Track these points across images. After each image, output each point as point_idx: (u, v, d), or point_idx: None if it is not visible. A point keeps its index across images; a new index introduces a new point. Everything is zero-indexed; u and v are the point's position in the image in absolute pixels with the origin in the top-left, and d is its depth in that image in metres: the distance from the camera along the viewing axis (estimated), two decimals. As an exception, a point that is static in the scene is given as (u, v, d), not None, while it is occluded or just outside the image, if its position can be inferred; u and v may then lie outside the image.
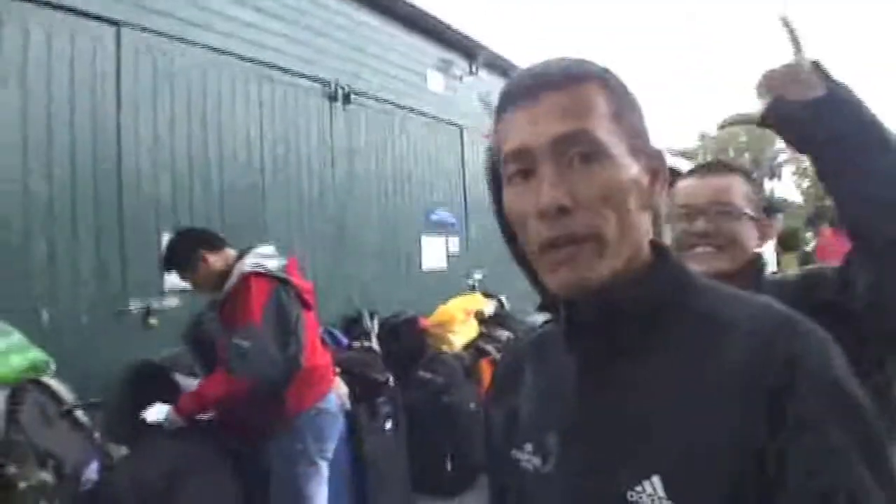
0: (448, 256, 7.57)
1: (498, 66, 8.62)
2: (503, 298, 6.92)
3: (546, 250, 0.84)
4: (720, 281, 0.98)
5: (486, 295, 6.84)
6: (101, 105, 4.03)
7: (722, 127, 1.37)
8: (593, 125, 0.83)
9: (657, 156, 0.91)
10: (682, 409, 0.79)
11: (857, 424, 0.74)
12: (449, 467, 5.10)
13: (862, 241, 1.25)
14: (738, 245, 1.50)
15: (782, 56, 1.22)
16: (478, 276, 7.80)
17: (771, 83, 1.25)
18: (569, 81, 0.85)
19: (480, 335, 5.97)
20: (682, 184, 1.60)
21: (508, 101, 0.88)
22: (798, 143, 1.25)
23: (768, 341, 0.78)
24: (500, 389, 1.07)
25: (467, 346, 5.73)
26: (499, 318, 6.48)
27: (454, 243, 7.69)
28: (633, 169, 0.85)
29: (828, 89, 1.18)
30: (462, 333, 5.69)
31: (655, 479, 0.78)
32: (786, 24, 1.21)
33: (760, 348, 0.78)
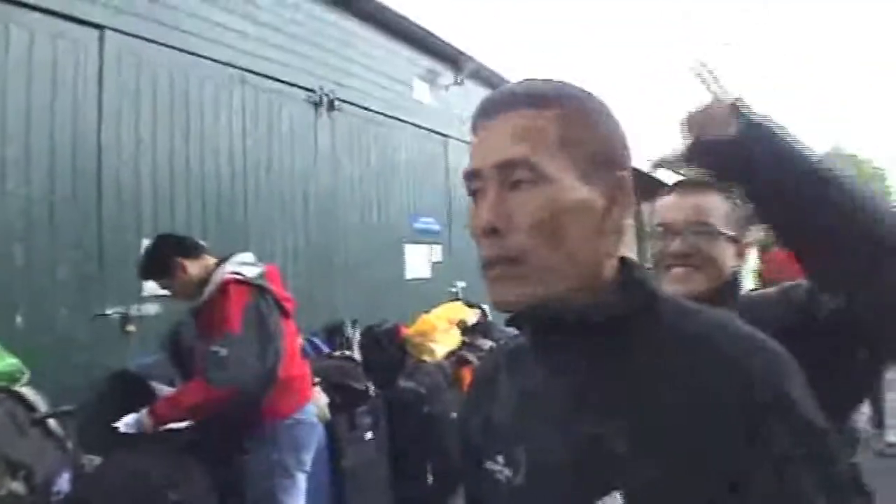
0: (431, 265, 7.55)
1: (484, 76, 8.64)
2: (486, 308, 6.90)
3: (484, 268, 0.90)
4: (696, 301, 1.00)
5: (469, 304, 6.82)
6: (83, 109, 3.99)
7: (654, 167, 1.39)
8: (537, 151, 0.86)
9: (618, 181, 0.91)
10: (641, 426, 0.81)
11: (810, 445, 0.77)
12: (430, 478, 5.07)
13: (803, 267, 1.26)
14: (715, 265, 1.48)
15: (702, 98, 1.26)
16: (461, 284, 7.79)
17: (690, 124, 1.26)
18: (522, 106, 0.89)
19: (463, 344, 5.95)
20: (660, 202, 1.58)
21: (474, 121, 0.94)
22: (720, 175, 1.28)
23: (729, 360, 0.81)
24: (475, 399, 1.09)
25: (449, 356, 5.70)
26: (481, 328, 6.46)
27: (438, 252, 7.68)
28: (579, 194, 0.87)
29: (740, 128, 1.18)
30: (444, 343, 5.66)
31: (617, 496, 0.80)
32: (700, 69, 1.25)
33: (720, 367, 0.80)
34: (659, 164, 1.37)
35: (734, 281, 1.53)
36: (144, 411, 3.08)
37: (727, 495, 0.76)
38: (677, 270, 1.49)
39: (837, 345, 1.22)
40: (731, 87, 1.23)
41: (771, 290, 1.59)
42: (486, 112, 0.92)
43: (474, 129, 0.93)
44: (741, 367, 0.80)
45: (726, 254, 1.50)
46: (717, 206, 1.51)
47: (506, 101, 0.91)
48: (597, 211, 0.88)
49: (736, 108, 1.20)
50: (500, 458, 0.95)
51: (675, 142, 1.32)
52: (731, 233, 1.50)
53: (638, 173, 0.98)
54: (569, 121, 0.88)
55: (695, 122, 1.26)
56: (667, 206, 1.56)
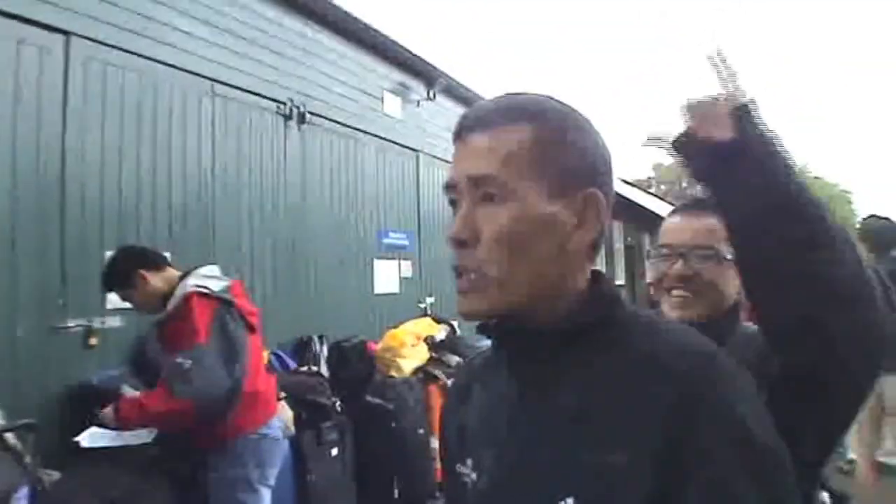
0: (401, 280, 7.53)
1: (456, 92, 8.66)
2: (455, 324, 6.89)
3: (455, 276, 0.93)
4: (695, 327, 0.98)
5: (438, 320, 6.80)
6: (47, 117, 3.91)
7: (647, 143, 1.36)
8: (504, 168, 0.89)
9: (589, 199, 0.92)
10: (597, 436, 0.84)
11: (758, 466, 0.79)
12: (396, 493, 5.04)
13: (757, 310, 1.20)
14: (716, 290, 1.44)
15: (712, 86, 1.20)
16: (430, 300, 7.78)
17: (690, 112, 1.22)
18: (494, 122, 0.92)
19: (430, 360, 5.92)
20: (666, 222, 1.55)
21: (454, 135, 0.97)
22: (698, 175, 1.24)
23: (680, 376, 0.82)
24: (452, 407, 1.13)
25: (417, 372, 5.67)
26: (450, 344, 6.43)
27: (407, 267, 7.66)
28: (545, 211, 0.89)
29: (735, 139, 1.13)
30: (412, 358, 5.63)
31: (570, 501, 0.83)
32: (714, 63, 1.18)
33: (672, 382, 0.82)
34: (653, 142, 1.33)
35: (734, 309, 1.48)
36: (109, 408, 3.01)
37: None
38: (677, 294, 1.46)
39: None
40: (745, 86, 1.16)
41: None
42: (464, 126, 0.95)
43: (455, 141, 0.96)
44: (690, 382, 0.81)
45: (730, 280, 1.43)
46: (723, 229, 1.37)
47: (483, 116, 0.93)
48: (563, 228, 0.91)
49: (741, 112, 1.14)
50: (469, 462, 1.00)
51: (673, 124, 1.27)
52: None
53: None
54: (541, 138, 0.91)
55: (695, 112, 1.21)
56: (672, 228, 1.53)
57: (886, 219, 4.62)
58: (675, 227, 1.52)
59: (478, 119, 0.93)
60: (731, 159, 1.12)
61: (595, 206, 0.92)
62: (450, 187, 0.95)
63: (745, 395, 0.83)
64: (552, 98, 0.97)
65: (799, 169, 1.15)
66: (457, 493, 1.02)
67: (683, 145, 1.24)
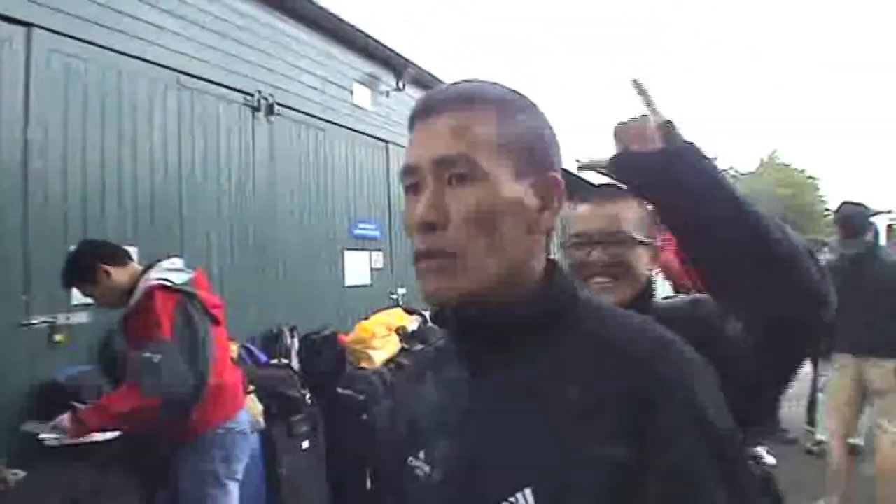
0: (372, 271, 7.52)
1: (425, 81, 8.64)
2: (427, 314, 6.88)
3: (418, 260, 0.91)
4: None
5: (410, 311, 6.79)
6: (8, 109, 3.85)
7: (580, 168, 1.40)
8: (473, 149, 0.89)
9: (551, 182, 0.94)
10: (556, 424, 0.84)
11: (716, 448, 0.80)
12: (368, 485, 5.03)
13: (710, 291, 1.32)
14: (633, 273, 1.52)
15: (635, 110, 1.29)
16: (402, 291, 7.77)
17: (619, 134, 1.30)
18: (460, 105, 0.92)
19: (402, 351, 5.91)
20: (575, 211, 1.60)
21: (411, 118, 0.96)
22: (639, 189, 1.30)
23: (639, 362, 0.83)
24: (402, 398, 1.14)
25: (388, 363, 5.66)
26: (421, 335, 6.43)
27: (378, 258, 7.65)
28: (514, 192, 0.90)
29: (668, 147, 1.22)
30: (383, 350, 5.62)
31: (528, 492, 0.83)
32: (638, 88, 1.27)
33: (631, 368, 0.83)
34: (586, 166, 1.38)
35: (649, 286, 1.57)
36: (66, 416, 2.97)
37: (629, 494, 0.78)
38: (600, 281, 1.52)
39: (743, 358, 1.25)
40: (663, 109, 1.27)
41: (680, 300, 1.65)
42: (424, 109, 0.94)
43: (412, 126, 0.95)
44: (650, 368, 0.83)
45: (641, 260, 1.54)
46: (631, 213, 1.54)
47: (444, 99, 0.93)
48: (529, 210, 0.91)
49: (665, 128, 1.24)
50: (422, 455, 0.98)
51: (605, 148, 1.35)
52: (644, 238, 1.54)
53: (567, 174, 1.00)
54: (505, 120, 0.92)
55: (624, 133, 1.29)
56: (583, 216, 1.58)
57: (860, 205, 4.74)
58: (587, 215, 1.57)
59: (439, 102, 0.93)
60: (670, 161, 1.20)
61: (556, 190, 0.94)
62: (409, 171, 0.93)
63: (704, 380, 0.84)
64: (506, 86, 0.97)
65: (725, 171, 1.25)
66: (409, 487, 1.00)
67: (619, 166, 1.29)
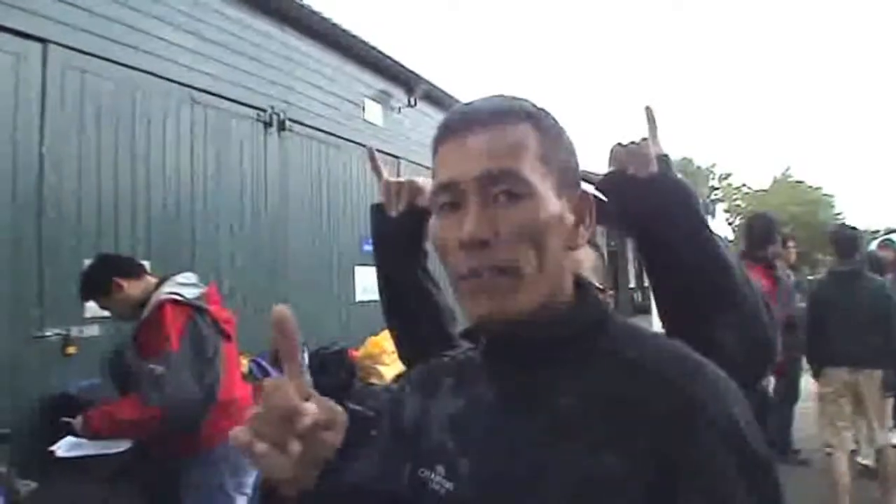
0: (382, 287, 7.51)
1: (437, 98, 8.67)
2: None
3: (466, 279, 0.87)
4: None
5: (420, 327, 6.79)
6: (24, 124, 3.90)
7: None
8: (520, 164, 0.86)
9: (583, 197, 0.93)
10: (587, 445, 0.80)
11: (753, 473, 0.77)
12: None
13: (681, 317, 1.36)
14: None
15: (636, 133, 1.37)
16: (412, 307, 7.76)
17: (618, 156, 1.35)
18: (498, 119, 0.88)
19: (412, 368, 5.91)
20: None
21: (442, 135, 0.92)
22: (625, 211, 1.35)
23: (674, 384, 0.80)
24: (409, 398, 1.08)
25: (398, 379, 5.66)
26: (431, 351, 6.42)
27: (388, 274, 7.64)
28: (557, 208, 0.88)
29: (660, 174, 1.31)
30: (393, 366, 5.62)
31: None
32: (650, 116, 1.38)
33: (666, 391, 0.80)
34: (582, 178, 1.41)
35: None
36: (79, 419, 2.99)
37: None
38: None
39: None
40: (663, 143, 1.36)
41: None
42: (460, 125, 0.90)
43: (443, 141, 0.92)
44: (686, 391, 0.79)
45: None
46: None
47: (479, 116, 0.90)
48: (568, 226, 0.90)
49: (661, 160, 1.32)
50: (441, 469, 0.94)
51: (601, 165, 1.41)
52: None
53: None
54: (543, 136, 0.90)
55: (623, 155, 1.35)
56: None
57: (853, 228, 5.08)
58: None
59: (475, 117, 0.89)
60: (661, 187, 1.30)
61: (590, 206, 0.94)
62: (447, 189, 0.89)
63: (740, 404, 0.81)
64: (531, 100, 0.95)
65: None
66: (419, 498, 0.96)
67: (614, 183, 1.35)
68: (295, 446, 0.77)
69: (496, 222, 0.85)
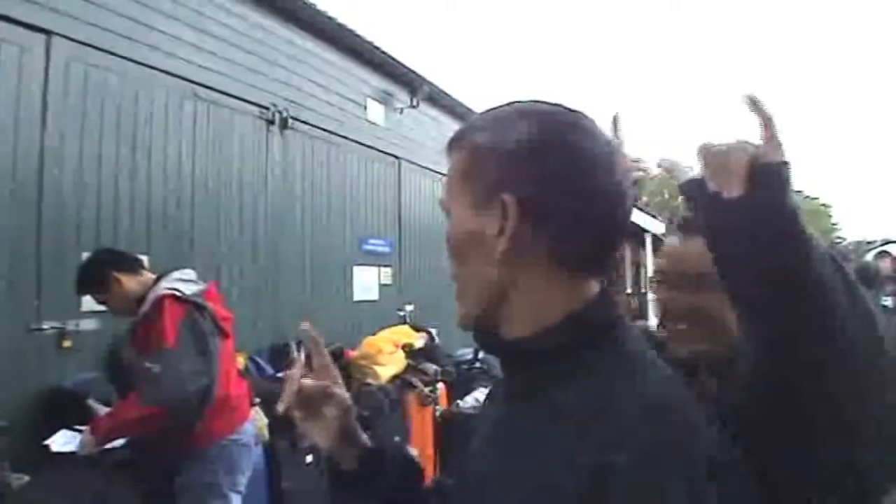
0: (380, 287, 7.52)
1: (439, 99, 8.67)
2: (433, 332, 6.88)
3: None
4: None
5: (417, 328, 6.79)
6: (26, 116, 3.89)
7: (659, 164, 1.22)
8: (447, 188, 0.94)
9: (500, 204, 0.85)
10: (528, 468, 0.80)
11: None
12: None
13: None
14: (715, 323, 1.26)
15: (740, 133, 1.01)
16: (409, 308, 7.77)
17: (704, 158, 1.02)
18: (455, 145, 0.94)
19: (408, 368, 5.91)
20: (662, 246, 1.41)
21: None
22: (702, 228, 1.10)
23: (609, 432, 0.74)
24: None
25: (394, 379, 5.66)
26: (427, 352, 6.43)
27: (387, 274, 7.65)
28: (470, 224, 0.89)
29: (745, 199, 0.96)
30: (389, 366, 5.62)
31: None
32: (754, 105, 0.98)
33: (597, 437, 0.74)
34: (665, 167, 1.21)
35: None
36: (87, 429, 2.98)
37: None
38: (673, 327, 1.33)
39: None
40: (783, 142, 0.98)
41: None
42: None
43: None
44: (613, 445, 0.72)
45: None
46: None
47: (451, 142, 0.96)
48: (487, 239, 0.86)
49: (760, 171, 0.96)
50: (449, 482, 1.04)
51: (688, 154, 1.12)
52: None
53: None
54: (472, 153, 0.90)
55: (709, 158, 1.01)
56: (663, 252, 1.41)
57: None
58: (667, 251, 1.40)
59: (450, 142, 0.96)
60: (734, 224, 0.97)
61: (504, 210, 0.85)
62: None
63: (682, 470, 0.72)
64: (526, 103, 0.92)
65: (822, 251, 0.97)
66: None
67: (689, 193, 1.12)
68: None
69: None
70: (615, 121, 1.16)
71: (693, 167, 1.10)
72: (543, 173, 0.85)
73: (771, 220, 0.94)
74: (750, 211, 0.95)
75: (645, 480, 0.70)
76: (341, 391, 1.16)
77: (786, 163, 0.96)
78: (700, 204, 1.07)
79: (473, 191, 0.89)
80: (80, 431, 3.04)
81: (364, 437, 1.17)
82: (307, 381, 1.14)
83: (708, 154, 1.01)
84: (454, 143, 0.94)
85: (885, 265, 6.43)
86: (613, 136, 1.13)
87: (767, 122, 0.97)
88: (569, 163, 0.85)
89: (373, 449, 1.16)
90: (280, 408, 1.11)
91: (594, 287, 0.90)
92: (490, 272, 0.88)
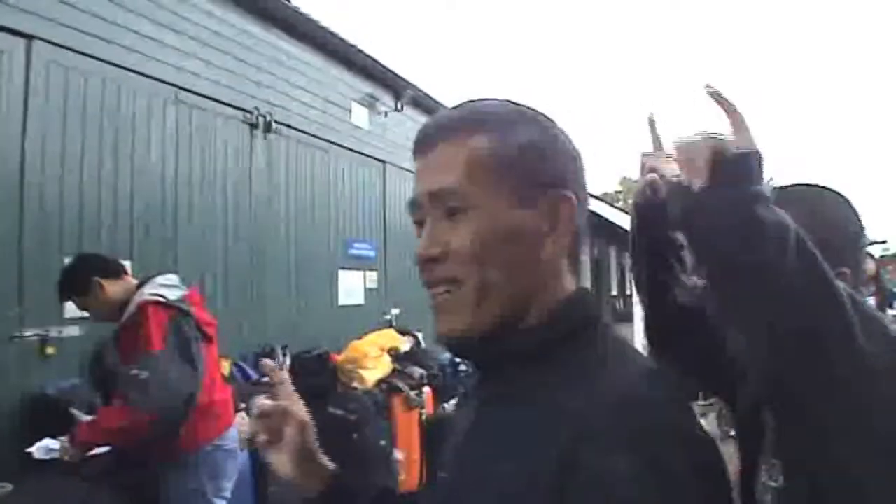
0: (366, 291, 7.50)
1: (424, 103, 8.68)
2: (419, 335, 6.87)
3: (431, 295, 0.88)
4: None
5: (402, 332, 6.78)
6: (7, 120, 3.86)
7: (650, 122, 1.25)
8: (466, 179, 0.85)
9: (555, 202, 0.87)
10: (510, 468, 0.77)
11: None
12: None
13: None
14: None
15: (706, 125, 1.03)
16: (395, 311, 7.75)
17: (675, 150, 1.07)
18: (452, 132, 0.88)
19: (394, 372, 5.89)
20: None
21: (413, 149, 0.93)
22: (672, 223, 1.17)
23: (585, 429, 0.73)
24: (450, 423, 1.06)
25: (380, 383, 5.64)
26: (413, 356, 6.41)
27: (372, 278, 7.64)
28: (512, 219, 0.85)
29: (706, 190, 0.99)
30: (375, 370, 5.59)
31: None
32: (714, 94, 1.03)
33: (572, 432, 0.73)
34: (647, 156, 1.24)
35: None
36: (66, 438, 2.95)
37: None
38: None
39: None
40: (751, 133, 1.01)
41: None
42: (421, 141, 0.91)
43: (414, 157, 0.93)
44: (583, 443, 0.72)
45: None
46: None
47: (439, 129, 0.90)
48: (533, 234, 0.85)
49: (726, 163, 0.98)
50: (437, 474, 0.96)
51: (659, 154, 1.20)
52: None
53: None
54: (501, 141, 0.86)
55: (679, 151, 1.06)
56: None
57: None
58: None
59: (433, 132, 0.90)
60: (706, 215, 1.00)
61: (567, 210, 0.87)
62: (413, 206, 0.92)
63: (653, 466, 0.70)
64: (511, 102, 0.92)
65: (798, 237, 0.98)
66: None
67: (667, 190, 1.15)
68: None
69: (445, 239, 0.85)
70: (651, 123, 1.19)
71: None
72: (577, 172, 0.91)
73: (730, 210, 0.97)
74: (710, 201, 0.98)
75: (612, 476, 0.69)
76: (299, 409, 1.10)
77: (750, 153, 0.99)
78: (670, 198, 1.12)
79: (508, 183, 0.85)
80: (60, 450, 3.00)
81: (327, 463, 1.10)
82: (265, 402, 1.08)
83: (678, 147, 1.05)
84: (462, 131, 0.87)
85: (868, 266, 6.46)
86: (652, 137, 1.18)
87: (731, 113, 1.01)
88: (578, 163, 0.92)
89: (337, 477, 1.10)
90: (248, 434, 1.12)
91: (574, 284, 0.92)
92: (531, 271, 0.86)
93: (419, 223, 0.91)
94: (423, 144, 0.91)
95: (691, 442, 0.76)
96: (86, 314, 3.32)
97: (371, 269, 7.64)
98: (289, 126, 6.40)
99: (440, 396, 6.25)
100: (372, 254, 7.68)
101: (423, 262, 0.87)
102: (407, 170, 8.18)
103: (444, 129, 0.89)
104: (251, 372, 5.12)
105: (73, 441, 2.94)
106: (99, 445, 3.06)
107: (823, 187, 1.36)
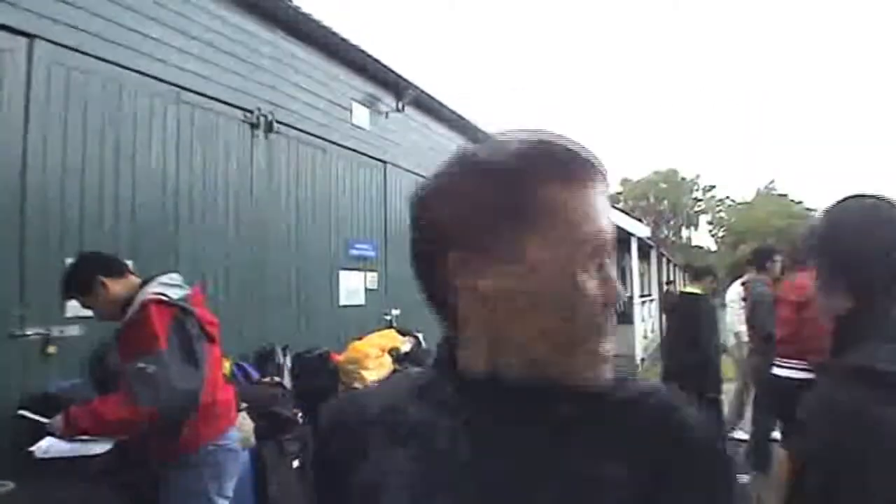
0: (366, 292, 7.51)
1: (425, 104, 8.68)
2: (420, 336, 6.87)
3: (599, 341, 0.91)
4: None
5: (403, 332, 6.78)
6: (8, 120, 3.86)
7: None
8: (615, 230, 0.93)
9: None
10: (564, 485, 0.79)
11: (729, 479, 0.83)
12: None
13: None
14: None
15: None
16: (396, 312, 7.76)
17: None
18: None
19: (395, 373, 5.89)
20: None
21: (575, 175, 0.89)
22: None
23: (658, 418, 0.83)
24: (345, 463, 0.96)
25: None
26: (415, 356, 6.42)
27: (373, 279, 7.64)
28: None
29: None
30: (375, 370, 5.61)
31: None
32: None
33: (650, 424, 0.82)
34: None
35: None
36: (59, 416, 2.93)
37: None
38: None
39: None
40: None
41: None
42: (587, 171, 0.90)
43: (576, 185, 0.89)
44: (673, 418, 0.83)
45: None
46: None
47: (598, 165, 0.92)
48: None
49: None
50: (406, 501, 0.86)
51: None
52: None
53: None
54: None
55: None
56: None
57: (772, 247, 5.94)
58: None
59: (597, 166, 0.90)
60: None
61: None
62: (603, 238, 0.93)
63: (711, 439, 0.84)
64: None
65: None
66: None
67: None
68: None
69: None
70: None
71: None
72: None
73: None
74: None
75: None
76: None
77: None
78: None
79: None
80: (56, 437, 2.98)
81: None
82: None
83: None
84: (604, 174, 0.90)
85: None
86: None
87: None
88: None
89: None
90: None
91: None
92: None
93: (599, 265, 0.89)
94: (593, 176, 0.89)
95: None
96: (88, 313, 3.32)
97: (372, 270, 7.64)
98: (290, 126, 6.40)
99: (441, 397, 6.25)
100: (372, 254, 7.68)
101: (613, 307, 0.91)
102: (408, 170, 8.18)
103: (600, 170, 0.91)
104: (253, 372, 5.13)
105: (67, 420, 2.91)
106: (92, 434, 3.03)
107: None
